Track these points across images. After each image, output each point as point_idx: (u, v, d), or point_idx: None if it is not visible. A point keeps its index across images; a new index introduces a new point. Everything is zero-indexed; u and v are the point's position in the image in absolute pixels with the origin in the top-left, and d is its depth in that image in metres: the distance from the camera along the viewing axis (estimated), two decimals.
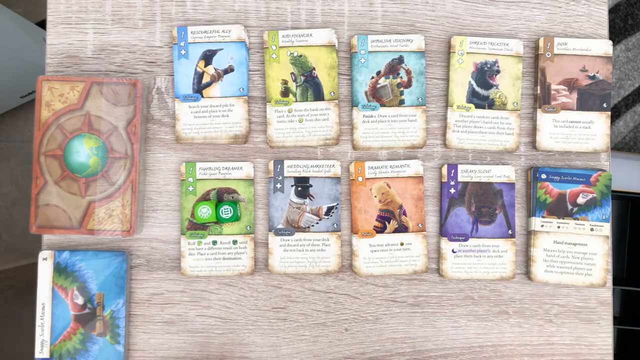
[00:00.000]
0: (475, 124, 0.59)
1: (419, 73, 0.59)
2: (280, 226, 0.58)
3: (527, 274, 0.59)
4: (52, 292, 0.56)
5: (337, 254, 0.58)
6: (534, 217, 0.58)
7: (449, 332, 0.59)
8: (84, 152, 0.56)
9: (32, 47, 1.13)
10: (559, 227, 0.58)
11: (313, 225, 0.59)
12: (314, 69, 0.59)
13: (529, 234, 0.59)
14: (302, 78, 0.59)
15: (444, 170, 0.59)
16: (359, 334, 0.59)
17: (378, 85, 0.59)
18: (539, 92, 0.59)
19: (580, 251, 0.58)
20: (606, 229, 0.58)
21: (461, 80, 0.59)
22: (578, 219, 0.58)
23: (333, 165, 0.59)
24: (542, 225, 0.58)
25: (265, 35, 0.59)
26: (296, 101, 0.59)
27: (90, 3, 0.60)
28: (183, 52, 0.59)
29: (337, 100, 0.59)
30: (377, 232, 0.58)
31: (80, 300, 0.56)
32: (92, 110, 0.56)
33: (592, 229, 0.58)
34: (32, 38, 1.13)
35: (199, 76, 0.59)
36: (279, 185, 0.59)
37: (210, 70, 0.59)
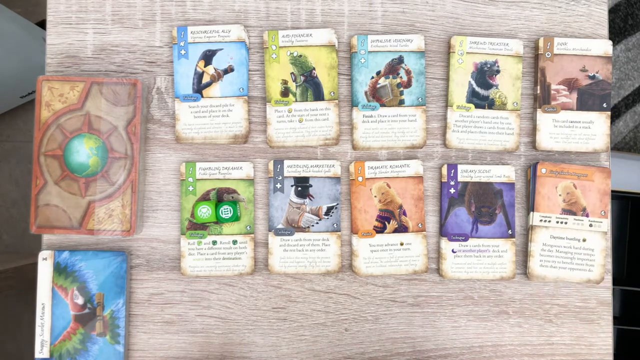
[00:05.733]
0: (475, 124, 0.59)
1: (419, 73, 0.59)
2: (280, 226, 0.58)
3: (526, 269, 0.59)
4: (52, 292, 0.56)
5: (337, 254, 0.58)
6: (532, 212, 0.58)
7: (449, 332, 0.59)
8: (84, 152, 0.56)
9: (32, 47, 1.13)
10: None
11: (313, 225, 0.59)
12: (313, 69, 0.59)
13: (528, 229, 0.59)
14: (302, 78, 0.59)
15: (444, 170, 0.59)
16: (359, 334, 0.59)
17: (378, 85, 0.59)
18: (539, 92, 0.59)
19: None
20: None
21: (461, 80, 0.59)
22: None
23: (333, 165, 0.59)
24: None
25: (265, 35, 0.59)
26: (296, 101, 0.59)
27: (90, 3, 0.60)
28: (183, 52, 0.59)
29: (337, 100, 0.59)
30: (377, 232, 0.58)
31: (80, 300, 0.56)
32: (92, 110, 0.56)
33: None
34: (32, 38, 1.13)
35: (199, 76, 0.59)
36: (279, 185, 0.59)
37: (210, 70, 0.59)
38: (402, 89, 0.59)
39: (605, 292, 0.60)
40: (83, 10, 0.60)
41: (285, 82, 0.59)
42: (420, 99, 0.59)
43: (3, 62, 1.10)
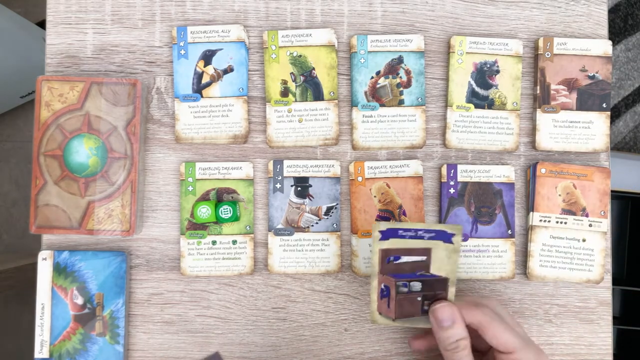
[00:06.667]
0: (475, 124, 0.59)
1: (419, 73, 0.59)
2: (279, 226, 0.58)
3: (525, 269, 0.59)
4: (51, 292, 0.56)
5: (337, 254, 0.58)
6: (532, 212, 0.58)
7: None
8: (83, 152, 0.56)
9: (32, 47, 1.14)
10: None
11: (312, 225, 0.59)
12: (313, 69, 0.59)
13: (528, 229, 0.59)
14: (302, 78, 0.59)
15: (444, 170, 0.59)
16: (358, 334, 0.59)
17: (378, 85, 0.59)
18: (538, 92, 0.59)
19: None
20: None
21: (461, 80, 0.59)
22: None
23: (333, 165, 0.59)
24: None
25: (265, 35, 0.59)
26: (296, 101, 0.59)
27: (90, 3, 0.60)
28: (182, 52, 0.59)
29: (336, 100, 0.59)
30: None
31: (79, 300, 0.56)
32: (91, 110, 0.56)
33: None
34: (32, 38, 1.13)
35: (199, 76, 0.59)
36: (278, 185, 0.59)
37: (209, 70, 0.59)
38: (401, 89, 0.59)
39: (605, 292, 0.60)
40: (83, 10, 0.60)
41: (285, 82, 0.59)
42: (420, 99, 0.59)
43: (3, 62, 1.10)
